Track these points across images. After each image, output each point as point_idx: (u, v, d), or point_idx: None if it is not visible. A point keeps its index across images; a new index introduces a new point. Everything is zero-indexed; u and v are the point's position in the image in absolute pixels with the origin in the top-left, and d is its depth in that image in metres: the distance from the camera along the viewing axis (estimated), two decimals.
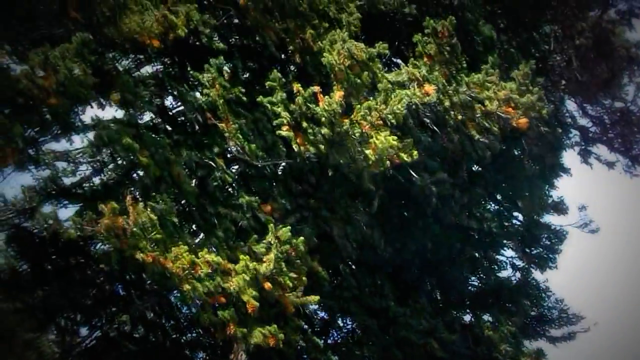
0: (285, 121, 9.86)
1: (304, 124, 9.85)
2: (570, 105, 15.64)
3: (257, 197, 10.98)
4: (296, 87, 9.80)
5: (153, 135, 10.44)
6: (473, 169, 14.29)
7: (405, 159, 10.05)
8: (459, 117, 11.07)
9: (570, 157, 16.17)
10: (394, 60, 13.17)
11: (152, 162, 9.80)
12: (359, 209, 12.27)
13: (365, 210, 12.35)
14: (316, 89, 9.82)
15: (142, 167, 9.96)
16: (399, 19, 12.26)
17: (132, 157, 9.98)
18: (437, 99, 10.77)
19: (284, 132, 9.90)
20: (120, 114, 11.06)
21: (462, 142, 11.68)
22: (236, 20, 10.92)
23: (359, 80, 9.89)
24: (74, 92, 9.40)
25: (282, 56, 11.29)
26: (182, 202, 11.41)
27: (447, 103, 10.83)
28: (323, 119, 9.74)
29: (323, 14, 10.67)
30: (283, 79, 10.01)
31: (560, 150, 15.80)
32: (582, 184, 17.28)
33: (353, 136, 9.88)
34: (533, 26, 13.94)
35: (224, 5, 10.64)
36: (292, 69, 11.71)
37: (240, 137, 10.11)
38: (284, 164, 11.22)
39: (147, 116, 12.02)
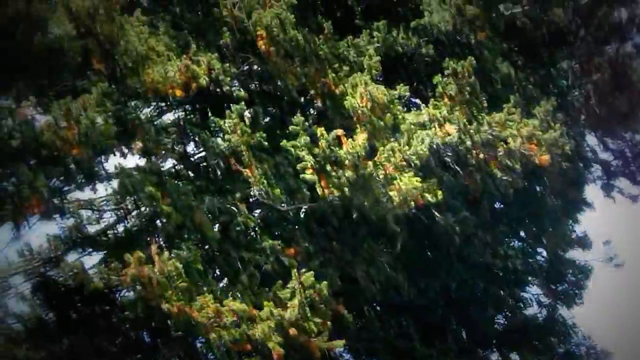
0: (309, 165, 9.89)
1: (328, 167, 9.88)
2: (591, 139, 15.64)
3: (280, 241, 10.98)
4: (319, 131, 9.85)
5: (175, 182, 10.50)
6: (495, 206, 14.25)
7: (430, 199, 10.05)
8: (481, 156, 11.06)
9: (592, 192, 16.11)
10: (413, 100, 13.25)
11: (174, 211, 9.86)
12: (382, 250, 12.23)
13: (389, 251, 12.31)
14: (339, 132, 9.86)
15: (165, 216, 9.99)
16: (416, 60, 12.33)
17: (154, 205, 10.01)
18: (459, 138, 10.78)
19: (308, 175, 9.93)
20: (143, 161, 11.20)
21: (484, 181, 11.65)
22: (256, 67, 11.02)
23: (382, 123, 9.93)
24: (97, 142, 9.49)
25: (303, 100, 11.38)
26: (206, 247, 11.43)
27: (468, 142, 10.83)
28: (347, 161, 9.77)
29: (343, 58, 10.77)
30: (307, 123, 10.08)
31: (583, 185, 15.75)
32: (605, 218, 17.16)
33: (377, 178, 9.89)
34: (550, 62, 13.99)
35: (244, 52, 10.75)
36: (313, 112, 11.78)
37: (264, 181, 10.14)
38: (306, 207, 11.22)
39: (169, 163, 12.15)
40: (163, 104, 12.16)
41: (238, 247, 10.86)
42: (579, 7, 13.57)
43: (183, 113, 12.41)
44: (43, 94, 10.88)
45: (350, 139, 9.86)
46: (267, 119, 11.86)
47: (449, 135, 10.70)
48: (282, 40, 9.80)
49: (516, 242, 15.43)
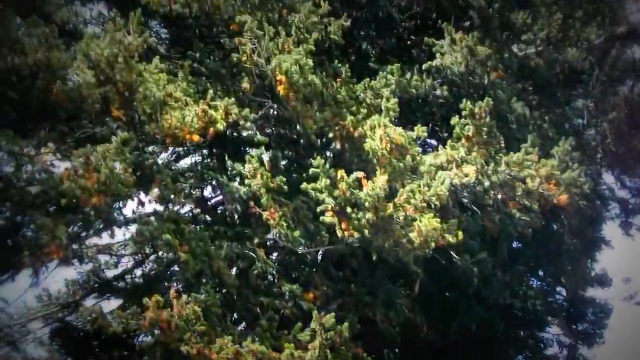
0: (329, 207, 9.90)
1: (348, 210, 9.88)
2: (608, 177, 15.65)
3: (298, 285, 10.96)
4: (340, 173, 9.87)
5: (193, 228, 10.52)
6: (513, 246, 14.19)
7: (451, 240, 10.01)
8: (499, 196, 11.04)
9: (611, 229, 16.06)
10: (430, 142, 13.32)
11: (192, 258, 9.86)
12: (401, 292, 12.18)
13: (407, 293, 12.25)
14: (360, 174, 9.88)
15: (183, 263, 10.01)
16: (432, 102, 12.40)
17: (173, 252, 10.03)
18: (477, 179, 10.77)
19: (328, 218, 9.93)
20: (160, 206, 11.24)
21: (503, 221, 11.61)
22: (274, 111, 11.10)
23: (401, 164, 9.95)
24: (116, 190, 9.55)
25: (321, 143, 11.44)
26: (224, 291, 11.41)
27: (486, 183, 10.82)
28: (367, 203, 9.77)
29: (361, 101, 10.84)
30: (327, 165, 10.11)
31: (601, 223, 15.72)
32: (624, 255, 17.07)
33: (397, 220, 9.88)
34: (566, 102, 14.04)
35: (262, 97, 10.85)
36: (331, 155, 11.83)
37: (284, 224, 10.15)
38: (325, 249, 11.21)
39: (187, 207, 12.21)
40: (180, 148, 12.26)
41: (257, 292, 10.84)
42: (592, 46, 13.63)
43: (200, 157, 12.50)
44: (63, 141, 10.99)
45: (370, 181, 9.86)
46: (285, 162, 11.92)
47: (466, 176, 10.68)
48: (301, 85, 9.86)
49: (535, 281, 15.36)
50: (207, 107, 9.91)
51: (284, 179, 10.26)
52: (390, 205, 9.81)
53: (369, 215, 9.75)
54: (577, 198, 11.58)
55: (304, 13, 10.61)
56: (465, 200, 11.34)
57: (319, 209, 9.96)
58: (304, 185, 9.97)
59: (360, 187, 9.88)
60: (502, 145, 11.03)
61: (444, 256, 11.46)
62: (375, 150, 9.92)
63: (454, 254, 11.53)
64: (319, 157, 10.10)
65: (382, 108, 10.46)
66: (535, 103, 13.58)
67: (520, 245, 14.27)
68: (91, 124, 10.71)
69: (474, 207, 11.43)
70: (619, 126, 14.24)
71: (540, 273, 15.32)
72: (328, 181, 9.90)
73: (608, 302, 15.75)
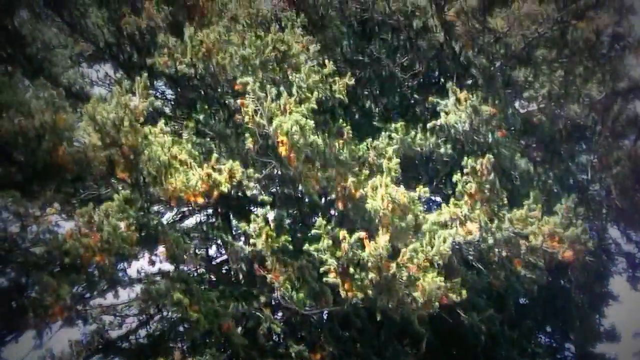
0: (332, 268, 9.88)
1: (351, 270, 9.86)
2: (614, 232, 15.58)
3: (305, 346, 10.88)
4: (342, 233, 9.87)
5: (201, 288, 10.51)
6: (520, 302, 14.10)
7: (455, 299, 9.95)
8: (504, 253, 11.00)
9: (618, 284, 15.95)
10: (434, 198, 13.33)
11: (202, 317, 9.82)
12: (407, 351, 12.07)
13: (414, 352, 12.14)
14: (362, 234, 9.88)
15: (192, 321, 9.95)
16: (435, 159, 12.46)
17: (182, 312, 9.99)
18: (480, 236, 10.74)
19: (331, 279, 9.90)
20: (166, 265, 11.25)
21: (508, 278, 11.56)
22: (278, 171, 11.16)
23: (403, 224, 9.95)
24: (119, 249, 9.56)
25: (324, 202, 11.46)
26: (230, 352, 11.33)
27: (490, 240, 10.78)
28: (370, 264, 9.76)
29: (363, 161, 10.90)
30: (329, 226, 10.11)
31: (608, 278, 15.64)
32: (633, 310, 16.92)
33: (400, 279, 9.84)
34: (569, 157, 14.08)
35: (266, 157, 10.92)
36: (334, 213, 11.85)
37: (288, 286, 10.12)
38: (330, 310, 11.15)
39: (192, 266, 12.18)
40: (185, 208, 12.31)
41: (264, 354, 10.77)
42: (594, 102, 13.71)
43: (205, 217, 12.54)
44: (68, 201, 11.05)
45: (372, 241, 9.85)
46: (289, 221, 11.94)
47: (470, 233, 10.67)
48: (302, 146, 9.93)
49: (543, 338, 15.22)
50: (212, 170, 9.97)
51: (289, 238, 10.27)
52: (393, 264, 9.79)
53: (372, 275, 9.74)
54: (582, 254, 11.53)
55: (305, 73, 10.74)
56: (470, 258, 11.32)
57: (321, 269, 9.95)
58: (306, 246, 9.96)
59: (362, 247, 9.87)
60: (505, 202, 11.02)
61: (450, 314, 11.40)
62: (377, 211, 9.93)
63: (460, 312, 11.47)
64: (320, 218, 10.11)
65: (384, 168, 10.49)
66: (539, 159, 13.65)
67: (527, 301, 14.17)
68: (96, 186, 10.79)
69: (479, 265, 11.41)
70: (623, 181, 14.20)
71: (548, 329, 15.19)
72: (330, 242, 9.89)
73: (618, 357, 15.57)
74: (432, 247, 10.03)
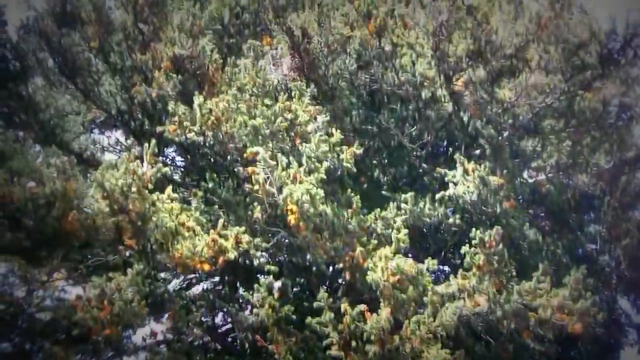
0: (334, 341, 9.80)
1: (354, 343, 9.77)
2: (624, 303, 15.40)
3: None
4: (344, 306, 9.83)
5: (207, 356, 10.44)
6: None
7: None
8: (513, 325, 10.88)
9: (629, 356, 15.70)
10: (442, 268, 13.26)
11: None
12: None
13: None
14: (363, 307, 9.84)
15: None
16: (444, 230, 12.44)
17: None
18: (489, 308, 10.65)
19: (334, 352, 9.81)
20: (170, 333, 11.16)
21: (517, 350, 11.42)
22: (286, 240, 11.17)
23: (404, 297, 9.90)
24: (128, 321, 9.54)
25: (332, 271, 11.43)
26: None
27: (499, 312, 10.67)
28: (372, 337, 9.68)
29: (372, 231, 10.89)
30: (331, 299, 10.07)
31: (619, 349, 15.38)
32: None
33: (404, 352, 9.74)
34: (578, 227, 14.03)
35: (274, 226, 10.94)
36: (341, 282, 11.80)
37: (290, 358, 10.04)
38: None
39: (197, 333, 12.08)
40: (192, 276, 12.28)
41: None
42: (602, 172, 13.72)
43: (212, 285, 12.50)
44: (75, 268, 11.06)
45: (375, 314, 9.80)
46: (297, 289, 11.89)
47: (479, 305, 10.59)
48: (311, 215, 9.96)
49: None
50: (218, 236, 9.99)
51: (292, 308, 10.22)
52: (396, 337, 9.71)
53: (374, 348, 9.65)
54: (593, 326, 11.40)
55: (314, 142, 10.83)
56: (478, 330, 11.19)
57: (324, 342, 9.87)
58: (308, 319, 9.91)
59: (364, 320, 9.82)
60: (514, 273, 10.95)
61: None
62: (378, 283, 9.91)
63: None
64: (322, 291, 10.09)
65: (393, 239, 10.49)
66: (547, 229, 13.58)
67: None
68: (104, 252, 10.80)
69: (488, 337, 11.27)
70: (632, 251, 14.12)
71: None
72: (332, 315, 9.85)
73: None
74: (435, 319, 9.97)
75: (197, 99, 11.05)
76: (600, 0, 15.28)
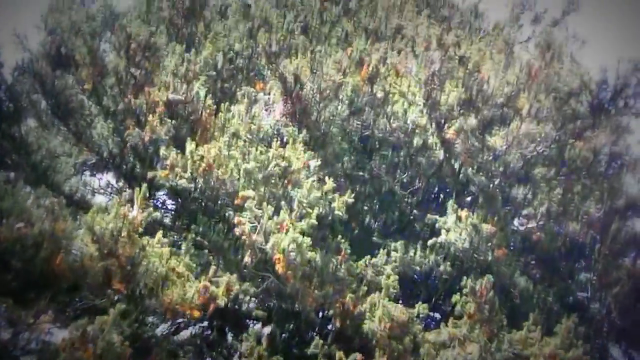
0: None
1: None
2: (616, 352, 15.31)
3: None
4: (339, 354, 9.74)
5: None
6: None
7: None
8: None
9: None
10: (432, 315, 13.17)
11: None
12: None
13: None
14: (358, 356, 9.74)
15: None
16: (434, 277, 12.40)
17: None
18: (480, 357, 10.57)
19: None
20: None
21: None
22: (275, 286, 11.09)
23: (400, 346, 9.83)
24: None
25: (322, 317, 11.33)
26: None
27: None
28: None
29: (361, 278, 10.85)
30: (325, 346, 10.00)
31: None
32: None
33: None
34: (569, 275, 14.01)
35: (264, 271, 10.88)
36: (331, 329, 11.70)
37: None
38: None
39: None
40: (180, 320, 12.15)
41: None
42: (592, 220, 13.74)
43: (200, 330, 12.38)
44: (62, 310, 10.95)
45: None
46: (286, 336, 11.79)
47: (469, 354, 10.52)
48: (299, 264, 9.93)
49: None
50: (209, 283, 9.92)
51: (281, 359, 10.12)
52: None
53: None
54: None
55: (307, 188, 10.83)
56: None
57: None
58: None
59: None
60: (505, 322, 10.91)
61: None
62: (375, 332, 9.84)
63: None
64: (317, 337, 10.01)
65: (383, 285, 10.45)
66: (538, 277, 13.55)
67: None
68: (92, 295, 10.70)
69: None
70: (623, 300, 14.09)
71: None
72: None
73: None
74: None
75: (190, 145, 11.05)
76: (590, 50, 15.52)
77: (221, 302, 9.95)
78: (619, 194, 14.03)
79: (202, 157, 11.03)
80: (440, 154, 12.63)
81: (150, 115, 11.75)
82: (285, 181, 11.03)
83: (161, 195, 13.73)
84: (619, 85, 12.87)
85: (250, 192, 10.63)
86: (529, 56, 12.68)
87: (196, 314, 9.94)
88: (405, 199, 13.16)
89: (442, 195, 13.69)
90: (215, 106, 12.10)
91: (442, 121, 12.21)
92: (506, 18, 16.42)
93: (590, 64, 14.12)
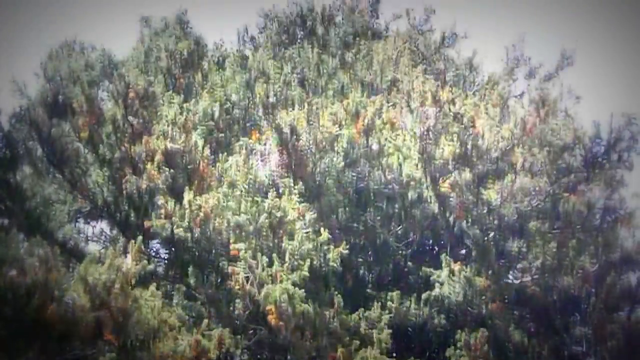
0: None
1: None
2: None
3: None
4: None
5: None
6: None
7: None
8: None
9: None
10: None
11: None
12: None
13: None
14: None
15: None
16: (428, 330, 12.34)
17: None
18: None
19: None
20: None
21: None
22: (268, 338, 11.02)
23: None
24: None
25: None
26: None
27: None
28: None
29: (354, 331, 10.79)
30: None
31: None
32: None
33: None
34: (564, 329, 13.94)
35: (256, 323, 10.82)
36: None
37: None
38: None
39: None
40: None
41: None
42: (587, 274, 13.72)
43: None
44: None
45: None
46: None
47: None
48: (290, 316, 9.90)
49: None
50: (201, 336, 9.85)
51: None
52: None
53: None
54: None
55: (299, 240, 10.83)
56: None
57: None
58: None
59: None
60: None
61: None
62: None
63: None
64: None
65: (375, 339, 10.42)
66: (533, 331, 13.49)
67: None
68: (83, 346, 10.62)
69: None
70: (618, 354, 14.02)
71: None
72: None
73: None
74: None
75: (188, 195, 11.08)
76: (584, 103, 15.66)
77: (213, 355, 9.87)
78: (613, 247, 14.02)
79: (199, 207, 11.05)
80: (435, 207, 12.66)
81: (148, 164, 11.79)
82: (280, 232, 11.05)
83: (155, 243, 13.68)
84: (612, 139, 12.97)
85: (241, 245, 10.64)
86: (523, 111, 12.79)
87: None
88: (400, 252, 13.15)
89: (436, 248, 13.67)
90: (212, 156, 12.16)
91: (437, 175, 12.28)
92: (501, 72, 16.62)
93: (584, 118, 14.23)
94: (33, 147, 13.60)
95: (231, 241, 10.82)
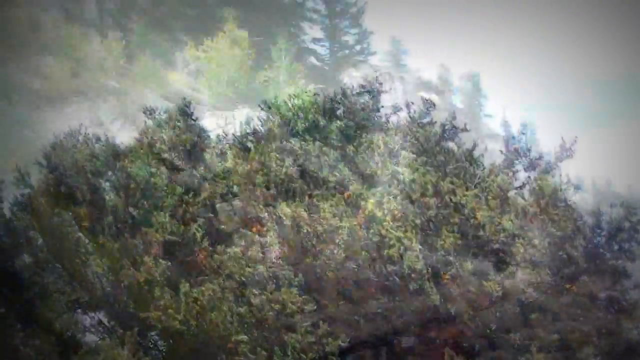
0: None
1: None
2: None
3: None
4: None
5: None
6: None
7: None
8: None
9: None
10: None
11: None
12: None
13: None
14: None
15: None
16: None
17: None
18: None
19: None
20: None
21: None
22: None
23: None
24: None
25: None
26: None
27: None
28: None
29: None
30: None
31: None
32: None
33: None
34: None
35: None
36: None
37: None
38: None
39: None
40: None
41: None
42: None
43: None
44: None
45: None
46: None
47: None
48: None
49: None
50: None
51: None
52: None
53: None
54: None
55: (300, 333, 10.73)
56: None
57: None
58: None
59: None
60: None
61: None
62: None
63: None
64: None
65: None
66: None
67: None
68: None
69: None
70: None
71: None
72: None
73: None
74: None
75: (183, 287, 11.02)
76: (584, 195, 15.76)
77: None
78: (617, 339, 13.86)
79: (195, 300, 10.98)
80: (436, 299, 12.56)
81: (147, 256, 11.78)
82: (279, 325, 10.96)
83: (153, 335, 13.51)
84: (613, 230, 12.97)
85: (243, 337, 10.54)
86: (524, 202, 12.85)
87: None
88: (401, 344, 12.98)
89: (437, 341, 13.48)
90: (211, 247, 12.15)
91: (438, 267, 12.23)
92: (501, 164, 16.70)
93: (584, 209, 14.28)
94: (33, 236, 13.64)
95: (231, 333, 10.72)
